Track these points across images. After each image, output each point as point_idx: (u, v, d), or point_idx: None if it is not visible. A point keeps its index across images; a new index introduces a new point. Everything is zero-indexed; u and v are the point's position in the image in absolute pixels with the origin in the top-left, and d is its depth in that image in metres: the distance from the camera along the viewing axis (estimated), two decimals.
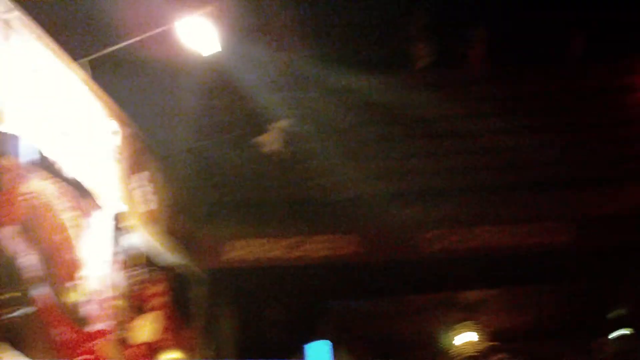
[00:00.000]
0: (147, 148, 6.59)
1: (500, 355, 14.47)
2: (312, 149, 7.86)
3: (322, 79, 7.98)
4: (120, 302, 5.82)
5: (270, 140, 7.56)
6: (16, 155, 4.66)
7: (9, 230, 4.54)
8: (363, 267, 7.89)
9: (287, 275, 8.07)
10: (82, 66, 5.73)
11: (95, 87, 5.70)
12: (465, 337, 12.87)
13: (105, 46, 6.07)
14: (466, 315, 12.41)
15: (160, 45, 6.36)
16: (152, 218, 6.59)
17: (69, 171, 5.23)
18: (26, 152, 4.76)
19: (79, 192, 5.37)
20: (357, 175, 7.89)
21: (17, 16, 4.66)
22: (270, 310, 9.32)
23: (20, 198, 4.68)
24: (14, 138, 4.64)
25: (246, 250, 7.62)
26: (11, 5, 4.59)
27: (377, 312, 11.47)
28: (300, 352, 10.28)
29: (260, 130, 7.70)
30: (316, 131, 7.89)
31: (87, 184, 5.46)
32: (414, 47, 8.66)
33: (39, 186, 4.89)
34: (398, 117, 8.03)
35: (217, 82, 7.89)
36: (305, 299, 8.75)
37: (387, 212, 7.73)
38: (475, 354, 13.19)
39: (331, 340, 10.93)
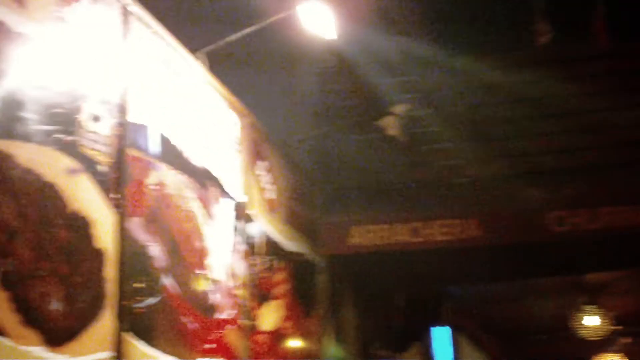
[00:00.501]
0: (266, 137, 6.63)
1: (625, 340, 14.15)
2: (432, 132, 7.80)
3: (440, 61, 7.90)
4: (243, 291, 5.88)
5: (389, 125, 7.52)
6: (143, 146, 4.74)
7: (137, 221, 4.62)
8: (485, 250, 7.76)
9: (408, 261, 8.02)
10: (200, 58, 5.80)
11: (214, 78, 5.76)
12: (589, 321, 12.62)
13: (222, 37, 6.12)
14: (590, 298, 12.17)
15: (276, 33, 6.38)
16: (272, 207, 6.63)
17: (194, 161, 5.31)
18: (153, 143, 4.84)
19: (204, 182, 5.45)
20: (478, 157, 7.79)
21: (135, 10, 4.74)
22: (392, 296, 9.29)
23: (148, 189, 4.76)
24: (141, 129, 4.72)
25: (367, 236, 7.60)
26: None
27: (498, 296, 11.35)
28: (422, 338, 10.25)
29: (379, 115, 7.66)
30: (435, 114, 7.82)
31: (212, 173, 5.53)
32: (535, 24, 8.48)
33: (166, 177, 4.97)
34: (519, 96, 7.89)
35: (334, 68, 7.89)
36: (427, 284, 8.69)
37: (509, 193, 7.61)
38: (600, 338, 12.93)
39: (452, 326, 10.87)
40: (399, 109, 7.59)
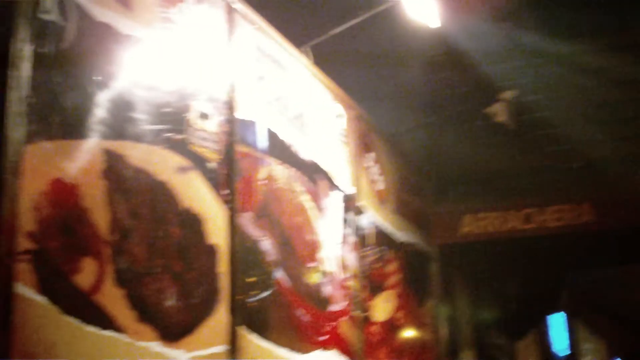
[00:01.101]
0: (373, 129, 6.62)
1: None
2: (541, 117, 7.67)
3: (546, 46, 7.76)
4: (355, 282, 5.89)
5: (498, 112, 7.43)
6: (251, 142, 4.79)
7: (248, 216, 4.67)
8: (600, 235, 7.60)
9: (521, 248, 7.92)
10: (305, 52, 5.83)
11: (319, 72, 5.78)
12: None
13: (326, 30, 6.14)
14: None
15: (381, 25, 6.37)
16: (382, 198, 6.62)
17: (302, 155, 5.35)
18: (261, 138, 4.90)
19: (313, 175, 5.47)
20: (589, 141, 7.63)
21: (239, 7, 4.79)
22: (506, 284, 9.18)
23: (257, 184, 4.82)
24: (249, 125, 4.78)
25: (478, 224, 7.53)
26: None
27: (615, 282, 11.10)
28: (538, 325, 10.11)
29: (487, 102, 7.58)
30: (543, 99, 7.69)
31: (320, 167, 5.56)
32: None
33: (275, 171, 5.02)
34: (629, 78, 7.69)
35: (441, 57, 7.83)
36: (541, 270, 8.55)
37: (623, 177, 7.43)
38: None
39: (568, 312, 10.68)
40: (507, 95, 7.49)
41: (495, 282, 8.88)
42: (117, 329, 3.52)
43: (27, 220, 3.10)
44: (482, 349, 8.35)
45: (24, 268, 3.06)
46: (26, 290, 3.06)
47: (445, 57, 7.89)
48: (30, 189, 3.14)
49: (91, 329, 3.37)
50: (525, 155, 7.72)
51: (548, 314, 10.50)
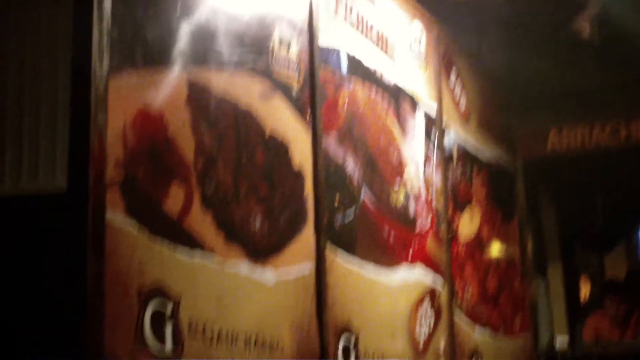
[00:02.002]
0: (454, 47, 6.58)
1: None
2: (627, 30, 7.48)
3: None
4: (440, 201, 5.93)
5: (582, 26, 7.28)
6: (333, 65, 4.83)
7: (332, 139, 4.74)
8: None
9: (609, 162, 7.82)
10: None
11: None
12: None
13: None
14: None
15: None
16: (465, 116, 6.61)
17: (384, 76, 5.36)
18: (343, 61, 4.93)
19: (396, 95, 5.49)
20: None
21: None
22: (593, 199, 9.11)
23: (340, 107, 4.87)
24: (330, 49, 4.81)
25: (565, 139, 7.46)
26: None
27: None
28: (626, 239, 10.02)
29: (571, 17, 7.42)
30: (629, 12, 7.49)
31: (402, 87, 5.58)
32: None
33: (358, 94, 5.05)
34: None
35: None
36: (630, 184, 8.44)
37: None
38: None
39: None
40: (592, 8, 7.32)
41: (582, 196, 8.81)
42: (206, 251, 3.65)
43: (115, 150, 3.22)
44: (569, 264, 8.34)
45: (114, 196, 3.18)
46: (117, 217, 3.19)
47: None
48: (117, 120, 3.25)
49: (180, 251, 3.50)
50: (610, 70, 7.56)
51: (636, 227, 10.38)
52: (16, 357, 3.33)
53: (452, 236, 6.05)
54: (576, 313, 8.14)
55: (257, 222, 4.03)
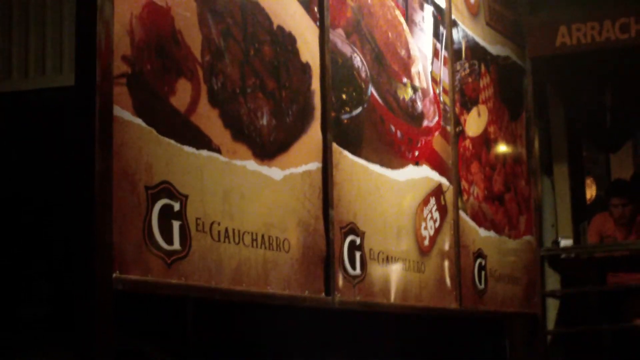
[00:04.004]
0: None
1: None
2: None
3: None
4: (448, 97, 5.86)
5: None
6: None
7: (340, 33, 4.64)
8: None
9: (618, 58, 7.70)
10: None
11: None
12: None
13: None
14: None
15: None
16: (475, 10, 6.48)
17: None
18: None
19: None
20: None
21: None
22: (602, 96, 9.03)
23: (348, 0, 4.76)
24: None
25: (575, 35, 7.32)
26: None
27: None
28: (633, 137, 9.99)
29: None
30: None
31: None
32: None
33: None
34: None
35: None
36: (637, 82, 8.35)
37: None
38: None
39: None
40: None
41: (590, 94, 8.73)
42: (213, 148, 3.60)
43: (122, 45, 3.14)
44: (576, 163, 8.31)
45: (121, 91, 3.12)
46: (124, 113, 3.14)
47: None
48: (124, 13, 3.16)
49: (188, 148, 3.45)
50: None
51: None
52: (25, 255, 3.32)
53: (459, 134, 5.99)
54: (581, 213, 8.14)
55: (264, 119, 3.97)
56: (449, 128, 5.81)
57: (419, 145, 5.42)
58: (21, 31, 3.60)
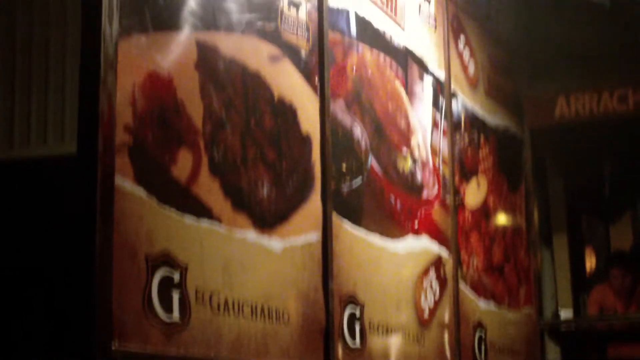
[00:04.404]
0: (463, 10, 6.48)
1: None
2: None
3: None
4: (447, 168, 5.87)
5: None
6: (343, 29, 4.75)
7: (340, 103, 4.66)
8: None
9: (618, 128, 7.74)
10: None
11: None
12: None
13: None
14: None
15: None
16: (474, 81, 6.53)
17: (394, 40, 5.27)
18: (352, 25, 4.84)
19: (405, 60, 5.41)
20: None
21: None
22: (601, 167, 9.05)
23: (349, 71, 4.78)
24: (339, 12, 4.72)
25: (573, 106, 7.37)
26: None
27: None
28: (633, 208, 9.96)
29: None
30: None
31: (412, 51, 5.49)
32: None
33: (367, 58, 4.97)
34: None
35: None
36: (636, 153, 8.37)
37: None
38: None
39: None
40: None
41: (589, 165, 8.75)
42: (214, 217, 3.59)
43: (124, 114, 3.15)
44: (575, 233, 8.29)
45: (122, 161, 3.12)
46: (125, 182, 3.13)
47: None
48: (126, 83, 3.18)
49: (188, 218, 3.44)
50: (622, 34, 7.45)
51: None
52: (25, 319, 3.29)
53: (459, 205, 5.98)
54: (581, 284, 8.11)
55: (265, 189, 3.97)
56: (448, 199, 5.81)
57: (419, 216, 5.41)
58: (23, 99, 3.62)
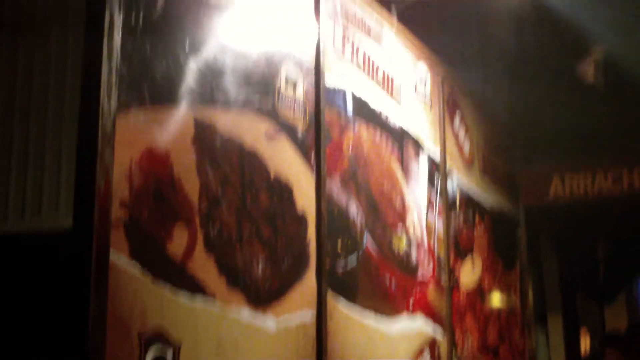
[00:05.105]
0: (458, 90, 6.53)
1: None
2: (632, 76, 7.46)
3: None
4: (442, 247, 5.85)
5: (588, 70, 7.25)
6: (339, 107, 4.77)
7: (336, 182, 4.66)
8: None
9: (611, 210, 7.76)
10: (393, 12, 5.75)
11: (405, 31, 5.70)
12: None
13: None
14: None
15: None
16: (469, 160, 6.55)
17: (390, 119, 5.30)
18: (349, 103, 4.86)
19: (401, 138, 5.43)
20: None
21: None
22: (596, 247, 9.05)
23: (345, 149, 4.79)
24: (336, 90, 4.75)
25: (567, 186, 7.40)
26: None
27: None
28: (628, 289, 9.96)
29: (575, 61, 7.41)
30: (635, 57, 7.47)
31: (408, 130, 5.51)
32: None
33: (363, 136, 4.98)
34: None
35: (527, 14, 7.66)
36: (632, 234, 8.38)
37: None
38: None
39: None
40: (597, 53, 7.30)
41: (584, 245, 8.75)
42: (208, 295, 3.56)
43: (120, 189, 3.14)
44: (570, 314, 8.26)
45: (118, 236, 3.10)
46: (120, 258, 3.10)
47: (532, 14, 7.71)
48: (123, 158, 3.17)
49: (183, 294, 3.41)
50: (614, 115, 7.51)
51: (638, 278, 10.32)
52: None
53: (454, 285, 5.95)
54: None
55: (260, 267, 3.94)
56: (443, 278, 5.77)
57: (414, 295, 5.37)
58: (20, 172, 3.61)
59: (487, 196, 6.79)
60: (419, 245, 5.50)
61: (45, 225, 3.27)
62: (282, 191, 4.20)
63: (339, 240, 4.64)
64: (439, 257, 5.76)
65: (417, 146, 5.65)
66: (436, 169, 5.92)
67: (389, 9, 5.67)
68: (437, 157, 5.94)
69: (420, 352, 5.36)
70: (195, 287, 3.49)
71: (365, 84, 5.06)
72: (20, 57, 3.54)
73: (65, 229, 3.08)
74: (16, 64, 3.51)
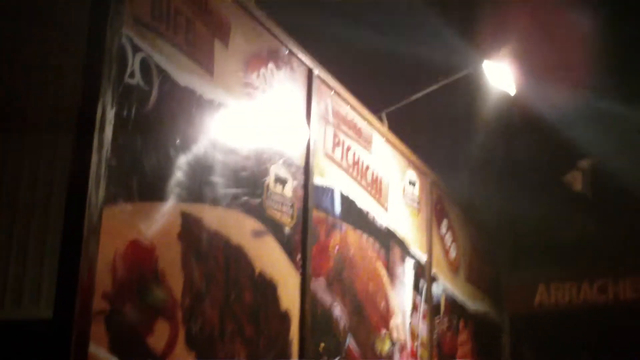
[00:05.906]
0: (447, 195, 6.57)
1: None
2: (619, 186, 7.53)
3: (626, 112, 7.64)
4: (425, 352, 5.80)
5: (575, 180, 7.32)
6: (327, 207, 4.79)
7: (321, 282, 4.65)
8: None
9: (596, 320, 7.74)
10: (382, 118, 5.83)
11: (394, 137, 5.77)
12: None
13: (402, 96, 6.14)
14: None
15: (456, 90, 6.36)
16: (455, 266, 6.55)
17: (377, 221, 5.32)
18: (336, 204, 4.89)
19: (387, 241, 5.44)
20: None
21: (320, 73, 4.81)
22: (580, 357, 8.97)
23: (331, 250, 4.80)
24: (324, 190, 4.77)
25: (553, 295, 7.40)
26: (314, 62, 4.76)
27: None
28: None
29: (564, 170, 7.48)
30: (623, 167, 7.56)
31: (394, 233, 5.53)
32: None
33: (349, 237, 4.99)
34: None
35: (514, 125, 7.78)
36: (617, 344, 8.33)
37: None
38: None
39: None
40: (585, 164, 7.39)
41: (567, 354, 8.68)
42: None
43: (103, 281, 3.12)
44: None
45: (98, 328, 3.07)
46: (99, 350, 3.06)
47: (521, 124, 7.83)
48: (108, 250, 3.16)
49: None
50: (601, 225, 7.57)
51: None
52: None
53: None
54: None
55: None
56: None
57: None
58: (1, 263, 3.59)
59: (472, 302, 6.77)
60: (402, 349, 5.46)
61: (26, 315, 3.25)
62: (267, 289, 4.18)
63: (322, 342, 4.60)
64: None
65: (404, 250, 5.66)
66: (422, 273, 5.91)
67: (379, 118, 5.75)
68: (423, 261, 5.95)
69: None
70: None
71: (353, 185, 5.10)
72: (11, 146, 3.57)
73: (45, 320, 3.05)
74: (5, 156, 3.53)
